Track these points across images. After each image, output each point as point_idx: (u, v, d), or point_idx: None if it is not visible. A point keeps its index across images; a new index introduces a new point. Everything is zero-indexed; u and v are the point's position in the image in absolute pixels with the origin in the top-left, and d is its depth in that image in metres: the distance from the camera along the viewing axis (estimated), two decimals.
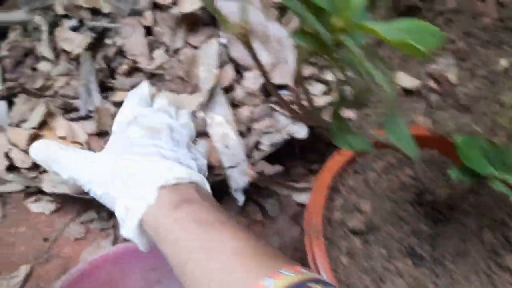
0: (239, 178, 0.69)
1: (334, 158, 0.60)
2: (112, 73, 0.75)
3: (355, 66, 0.28)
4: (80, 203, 0.74)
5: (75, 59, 0.74)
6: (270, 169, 0.74)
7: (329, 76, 0.83)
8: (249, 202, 0.77)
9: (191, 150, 0.55)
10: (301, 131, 0.76)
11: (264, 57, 0.79)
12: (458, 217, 0.57)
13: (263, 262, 0.39)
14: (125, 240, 0.69)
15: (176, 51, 0.73)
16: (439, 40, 0.28)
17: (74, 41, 0.72)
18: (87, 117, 0.71)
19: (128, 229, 0.47)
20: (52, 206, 0.72)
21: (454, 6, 0.95)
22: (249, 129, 0.73)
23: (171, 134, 0.53)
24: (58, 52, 0.75)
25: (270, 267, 0.37)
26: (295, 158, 0.83)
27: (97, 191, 0.49)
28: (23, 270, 0.68)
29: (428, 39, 0.27)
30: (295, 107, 0.41)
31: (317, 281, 0.36)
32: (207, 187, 0.52)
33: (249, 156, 0.71)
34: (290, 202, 0.78)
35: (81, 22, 0.76)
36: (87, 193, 0.51)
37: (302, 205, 0.78)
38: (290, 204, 0.78)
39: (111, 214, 0.74)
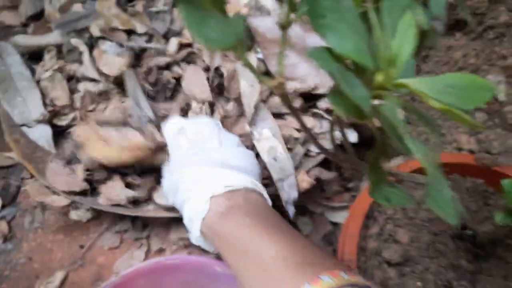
0: (289, 190, 0.69)
1: (365, 192, 0.59)
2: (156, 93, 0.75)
3: (395, 133, 0.27)
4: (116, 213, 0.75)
5: (116, 81, 0.75)
6: (327, 174, 0.74)
7: None
8: None
9: (239, 150, 0.58)
10: (351, 136, 0.74)
11: (304, 69, 0.78)
12: (501, 253, 0.54)
13: (304, 268, 0.40)
14: (159, 251, 0.70)
15: (217, 69, 0.73)
16: (491, 95, 0.26)
17: (114, 63, 0.73)
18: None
19: (193, 238, 0.53)
20: (88, 215, 0.74)
21: (507, 19, 0.90)
22: (296, 139, 0.72)
23: (218, 137, 0.56)
24: (98, 74, 0.76)
25: (310, 273, 0.38)
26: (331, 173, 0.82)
27: (172, 203, 0.57)
28: (59, 275, 0.70)
29: (479, 96, 0.26)
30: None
31: (353, 285, 0.36)
32: (259, 187, 0.54)
33: (297, 167, 0.70)
34: (324, 220, 0.77)
35: (120, 44, 0.77)
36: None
37: (335, 224, 0.76)
38: (323, 223, 0.77)
39: (145, 225, 0.75)
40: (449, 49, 0.90)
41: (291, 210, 0.69)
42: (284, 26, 0.26)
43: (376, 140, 0.33)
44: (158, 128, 0.67)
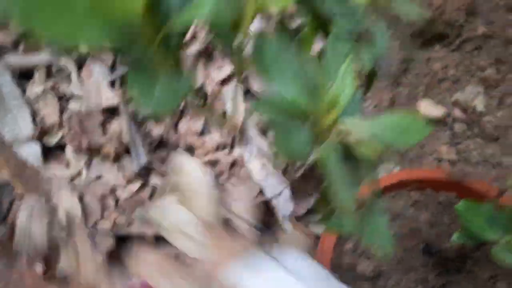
0: (285, 205, 0.71)
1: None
2: None
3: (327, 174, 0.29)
4: None
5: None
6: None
7: None
8: (266, 231, 0.79)
9: None
10: None
11: None
12: (470, 267, 0.56)
13: None
14: None
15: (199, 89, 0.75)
16: (426, 132, 0.28)
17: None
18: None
19: None
20: None
21: (485, 31, 0.92)
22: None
23: None
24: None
25: None
26: (316, 184, 0.84)
27: None
28: None
29: (415, 135, 0.28)
30: None
31: None
32: None
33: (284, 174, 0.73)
34: (308, 233, 0.79)
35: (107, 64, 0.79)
36: None
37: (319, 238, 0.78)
38: (308, 236, 0.79)
39: None
40: (428, 61, 0.92)
41: (288, 227, 0.72)
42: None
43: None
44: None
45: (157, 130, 0.81)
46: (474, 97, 0.90)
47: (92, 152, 0.78)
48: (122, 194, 0.75)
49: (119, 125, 0.80)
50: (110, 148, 0.77)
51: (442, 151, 0.87)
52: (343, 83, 0.26)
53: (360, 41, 0.28)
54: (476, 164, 0.87)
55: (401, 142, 0.27)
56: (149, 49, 0.22)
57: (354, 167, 0.27)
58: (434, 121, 0.90)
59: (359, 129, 0.27)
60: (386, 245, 0.28)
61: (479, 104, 0.89)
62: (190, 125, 0.81)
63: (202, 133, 0.79)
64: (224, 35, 0.23)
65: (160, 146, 0.83)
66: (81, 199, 0.73)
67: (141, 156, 0.78)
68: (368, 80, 0.31)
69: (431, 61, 0.93)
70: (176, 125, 0.82)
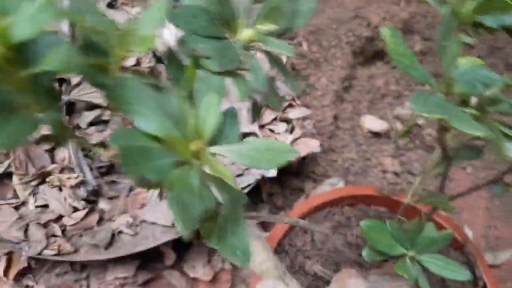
0: None
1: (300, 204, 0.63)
2: None
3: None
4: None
5: None
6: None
7: (291, 114, 0.85)
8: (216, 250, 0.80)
9: None
10: (270, 171, 0.79)
11: None
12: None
13: None
14: None
15: None
16: (293, 157, 0.30)
17: None
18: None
19: None
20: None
21: (422, 48, 0.97)
22: None
23: None
24: None
25: None
26: (263, 203, 0.86)
27: None
28: None
29: (280, 157, 0.30)
30: None
31: None
32: None
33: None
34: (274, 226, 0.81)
35: None
36: None
37: None
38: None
39: (83, 266, 0.78)
40: (371, 78, 0.96)
41: None
42: None
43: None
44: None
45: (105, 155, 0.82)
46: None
47: (39, 179, 0.78)
48: (69, 220, 0.76)
49: (67, 152, 0.81)
50: (57, 175, 0.78)
51: (387, 163, 0.90)
52: (207, 114, 0.28)
53: (235, 75, 0.30)
54: (418, 174, 0.91)
55: (266, 163, 0.29)
56: (15, 93, 0.24)
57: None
58: (378, 135, 0.94)
59: (224, 152, 0.29)
60: (246, 259, 0.29)
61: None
62: None
63: None
64: (92, 77, 0.25)
65: (110, 170, 0.84)
66: (26, 228, 0.73)
67: (89, 182, 0.79)
68: (254, 109, 0.33)
69: (373, 77, 0.97)
70: None
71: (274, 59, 0.33)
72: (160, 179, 0.24)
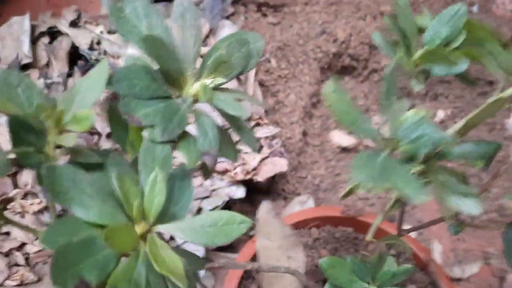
0: (195, 250, 0.71)
1: (248, 245, 0.63)
2: None
3: None
4: None
5: None
6: None
7: (259, 133, 0.85)
8: None
9: None
10: (238, 192, 0.78)
11: None
12: None
13: None
14: None
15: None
16: (247, 226, 0.30)
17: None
18: None
19: None
20: None
21: (388, 63, 0.98)
22: None
23: None
24: None
25: None
26: None
27: None
28: None
29: (236, 229, 0.29)
30: None
31: None
32: None
33: None
34: (227, 272, 0.80)
35: None
36: None
37: None
38: (226, 275, 0.80)
39: None
40: None
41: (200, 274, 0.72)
42: None
43: None
44: None
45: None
46: (381, 125, 0.94)
47: (0, 206, 0.76)
48: (33, 248, 0.74)
49: (30, 176, 0.79)
50: (19, 201, 0.76)
51: None
52: (152, 193, 0.27)
53: (185, 138, 0.29)
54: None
55: (219, 241, 0.28)
56: None
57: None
58: (347, 150, 0.94)
59: (175, 230, 0.28)
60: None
61: (387, 131, 0.94)
62: None
63: None
64: (26, 159, 0.24)
65: None
66: None
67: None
68: (204, 171, 0.32)
69: None
70: None
71: (227, 115, 0.32)
72: (102, 278, 0.23)
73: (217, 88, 0.31)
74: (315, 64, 0.94)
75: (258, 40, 0.36)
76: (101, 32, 0.85)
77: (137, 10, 0.29)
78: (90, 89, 0.25)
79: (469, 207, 0.32)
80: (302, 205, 0.84)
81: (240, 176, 0.74)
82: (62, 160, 0.26)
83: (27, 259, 0.73)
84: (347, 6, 1.05)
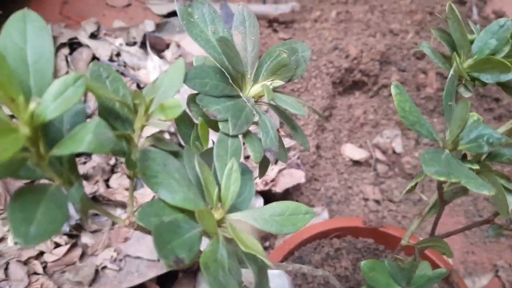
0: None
1: (272, 255, 0.63)
2: None
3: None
4: None
5: None
6: None
7: None
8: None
9: None
10: (257, 203, 0.79)
11: None
12: None
13: None
14: None
15: None
16: (312, 216, 0.31)
17: None
18: None
19: None
20: None
21: (398, 78, 1.00)
22: None
23: None
24: None
25: None
26: None
27: None
28: None
29: (302, 220, 0.31)
30: None
31: None
32: None
33: None
34: None
35: None
36: None
37: None
38: None
39: None
40: (350, 107, 0.99)
41: None
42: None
43: None
44: None
45: (88, 188, 0.81)
46: (392, 139, 0.97)
47: None
48: (51, 257, 0.73)
49: None
50: None
51: (368, 191, 0.92)
52: (228, 182, 0.28)
53: (249, 135, 0.31)
54: (399, 202, 0.93)
55: (286, 230, 0.30)
56: (39, 169, 0.24)
57: (240, 259, 0.29)
58: (358, 163, 0.96)
59: (248, 219, 0.29)
60: None
61: (397, 146, 0.97)
62: (121, 181, 0.81)
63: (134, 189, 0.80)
64: (117, 151, 0.25)
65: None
66: (6, 266, 0.71)
67: (71, 215, 0.77)
68: (262, 167, 0.34)
69: (352, 107, 1.00)
70: (107, 181, 0.82)
71: (284, 115, 0.34)
72: (192, 257, 0.24)
73: (275, 90, 0.33)
74: (327, 79, 0.96)
75: (306, 49, 0.38)
76: (121, 44, 0.87)
77: (204, 16, 0.31)
78: (170, 83, 0.26)
79: None
80: (316, 217, 0.85)
81: (260, 187, 0.75)
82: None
83: (45, 267, 0.73)
84: (356, 23, 1.08)
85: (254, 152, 0.30)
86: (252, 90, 0.32)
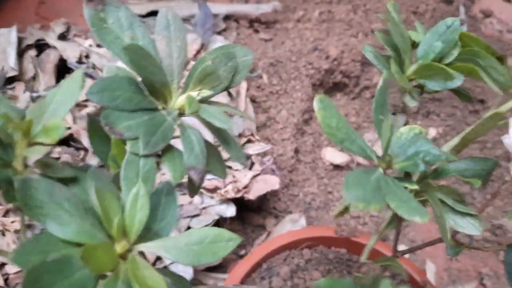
0: (182, 271, 0.69)
1: (238, 267, 0.60)
2: None
3: None
4: None
5: None
6: None
7: (250, 150, 0.83)
8: None
9: None
10: (229, 210, 0.76)
11: None
12: None
13: None
14: None
15: None
16: (235, 244, 0.28)
17: None
18: None
19: None
20: None
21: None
22: None
23: None
24: None
25: None
26: None
27: None
28: None
29: (223, 247, 0.27)
30: None
31: None
32: None
33: None
34: None
35: None
36: None
37: None
38: None
39: None
40: None
41: None
42: None
43: None
44: None
45: None
46: (374, 142, 0.94)
47: None
48: (13, 268, 0.70)
49: None
50: (1, 219, 0.73)
51: None
52: (134, 209, 0.25)
53: (169, 151, 0.28)
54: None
55: (205, 260, 0.27)
56: None
57: None
58: (339, 167, 0.93)
59: (159, 250, 0.26)
60: None
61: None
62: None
63: None
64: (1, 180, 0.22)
65: None
66: None
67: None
68: (190, 187, 0.31)
69: None
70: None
71: (213, 128, 0.31)
72: None
73: (204, 101, 0.30)
74: (307, 81, 0.93)
75: (247, 54, 0.34)
76: (90, 46, 0.84)
77: (120, 21, 0.28)
78: (64, 99, 0.23)
79: (469, 227, 0.30)
80: (293, 224, 0.82)
81: (231, 194, 0.72)
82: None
83: (6, 280, 0.70)
84: (338, 23, 1.05)
85: (173, 172, 0.27)
86: (178, 101, 0.29)
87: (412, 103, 0.34)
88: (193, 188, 0.30)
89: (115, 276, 0.23)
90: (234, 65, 0.31)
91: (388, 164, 0.29)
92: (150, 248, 0.26)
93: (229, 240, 0.28)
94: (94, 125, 0.29)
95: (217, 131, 0.31)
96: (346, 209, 0.34)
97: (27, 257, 0.21)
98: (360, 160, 0.93)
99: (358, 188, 0.26)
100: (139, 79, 0.27)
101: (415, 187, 0.29)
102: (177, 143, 0.29)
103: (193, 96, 0.28)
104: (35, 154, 0.22)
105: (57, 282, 0.20)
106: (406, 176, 0.32)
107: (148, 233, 0.27)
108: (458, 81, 0.32)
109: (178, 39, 0.29)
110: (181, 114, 0.29)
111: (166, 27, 0.29)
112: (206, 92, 0.29)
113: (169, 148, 0.28)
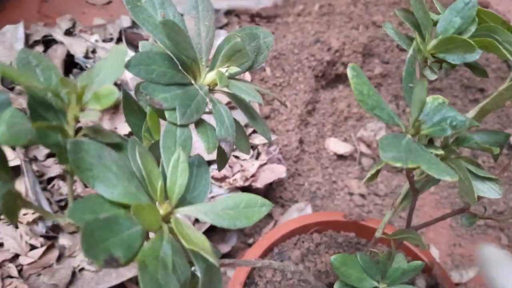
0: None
1: (250, 251, 0.62)
2: None
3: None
4: None
5: None
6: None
7: (256, 140, 0.85)
8: None
9: None
10: None
11: None
12: None
13: None
14: None
15: None
16: (268, 209, 0.29)
17: None
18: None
19: None
20: None
21: (382, 71, 0.99)
22: None
23: None
24: None
25: None
26: (230, 231, 0.84)
27: None
28: None
29: (257, 213, 0.29)
30: None
31: None
32: None
33: None
34: (227, 281, 0.79)
35: None
36: None
37: None
38: (224, 282, 0.79)
39: None
40: (333, 101, 0.98)
41: None
42: None
43: None
44: None
45: (65, 188, 0.79)
46: (377, 132, 0.95)
47: None
48: (26, 259, 0.72)
49: (23, 185, 0.77)
50: None
51: (353, 185, 0.91)
52: (175, 174, 0.27)
53: (201, 124, 0.29)
54: (384, 195, 0.92)
55: (240, 224, 0.28)
56: None
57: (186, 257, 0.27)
58: (343, 157, 0.95)
59: (198, 213, 0.28)
60: None
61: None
62: None
63: None
64: (45, 137, 0.24)
65: None
66: None
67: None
68: (219, 159, 0.32)
69: (336, 100, 0.98)
70: None
71: (242, 104, 0.32)
72: (130, 256, 0.22)
73: (231, 78, 0.31)
74: (309, 72, 0.94)
75: (268, 36, 0.36)
76: (96, 41, 0.85)
77: (153, 0, 0.29)
78: (109, 70, 0.24)
79: (490, 191, 0.32)
80: (300, 212, 0.84)
81: (239, 183, 0.74)
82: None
83: (20, 271, 0.71)
84: (339, 16, 1.07)
85: (206, 143, 0.29)
86: (207, 77, 0.31)
87: (432, 77, 0.35)
88: (223, 160, 0.32)
89: (160, 236, 0.25)
90: (257, 45, 0.32)
91: (417, 130, 0.31)
92: (190, 212, 0.27)
93: (262, 205, 0.29)
94: (127, 99, 0.30)
95: (245, 107, 0.32)
96: (376, 173, 0.36)
97: (80, 215, 0.22)
98: (364, 149, 0.95)
99: (392, 150, 0.27)
100: (171, 55, 0.28)
101: (441, 152, 0.30)
102: (206, 119, 0.30)
103: (223, 72, 0.30)
104: (89, 118, 0.23)
105: (109, 238, 0.22)
106: (432, 142, 0.34)
107: (183, 201, 0.28)
108: (477, 54, 0.33)
109: (206, 18, 0.30)
110: (211, 90, 0.31)
111: (194, 6, 0.30)
112: (234, 69, 0.30)
113: (201, 122, 0.29)
